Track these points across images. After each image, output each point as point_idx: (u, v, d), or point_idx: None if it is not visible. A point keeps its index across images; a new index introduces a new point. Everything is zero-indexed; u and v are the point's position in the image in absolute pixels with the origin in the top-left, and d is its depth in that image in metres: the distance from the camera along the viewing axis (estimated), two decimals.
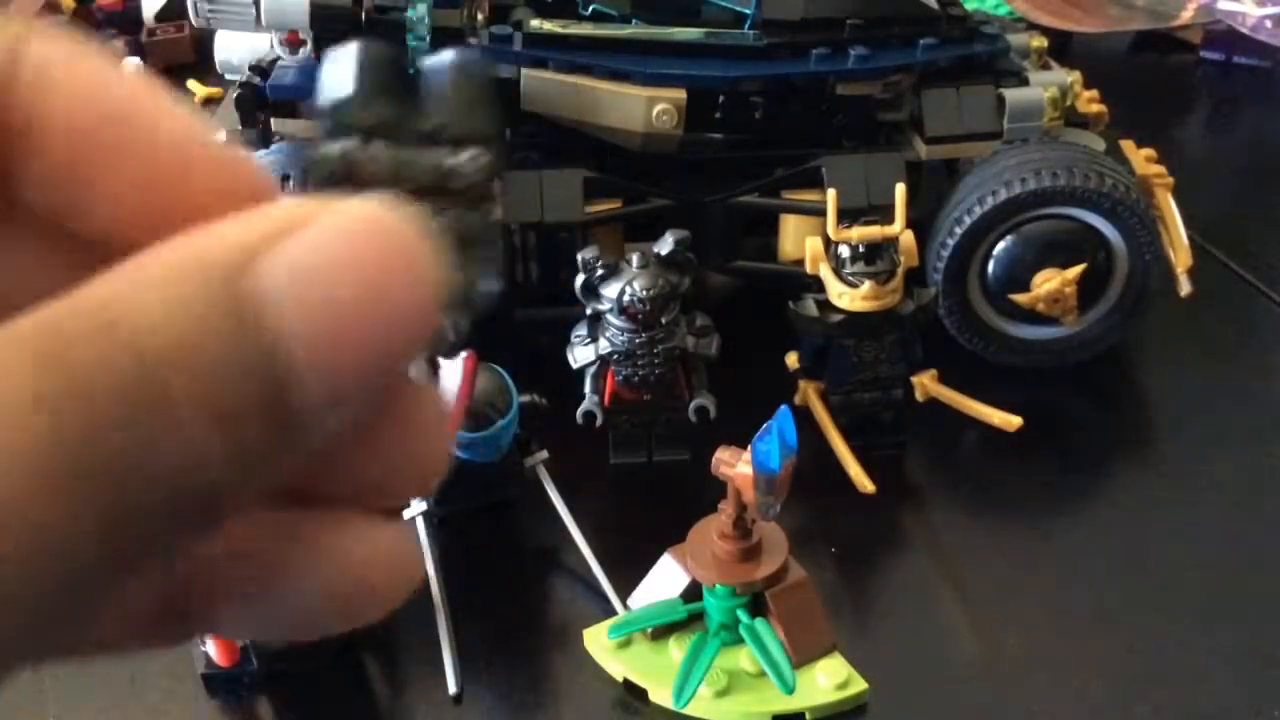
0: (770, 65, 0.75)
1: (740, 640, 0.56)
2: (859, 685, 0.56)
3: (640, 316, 0.64)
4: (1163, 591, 0.60)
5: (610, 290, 0.64)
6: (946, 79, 0.77)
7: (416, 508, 0.61)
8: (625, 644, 0.58)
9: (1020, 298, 0.73)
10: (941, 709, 0.56)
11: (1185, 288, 0.76)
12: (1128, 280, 0.73)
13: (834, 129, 0.77)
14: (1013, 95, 0.76)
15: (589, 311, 0.66)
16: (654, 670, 0.57)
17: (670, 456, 0.68)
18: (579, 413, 0.66)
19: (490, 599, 0.61)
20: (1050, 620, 0.57)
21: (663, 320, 0.64)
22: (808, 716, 0.55)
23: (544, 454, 0.64)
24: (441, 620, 0.58)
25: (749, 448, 0.52)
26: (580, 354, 0.66)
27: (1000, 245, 0.73)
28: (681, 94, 0.73)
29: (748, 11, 0.77)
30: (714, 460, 0.54)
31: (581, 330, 0.67)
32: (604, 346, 0.65)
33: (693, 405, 0.66)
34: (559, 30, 0.75)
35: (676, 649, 0.57)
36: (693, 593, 0.58)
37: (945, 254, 0.73)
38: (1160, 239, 0.73)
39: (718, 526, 0.56)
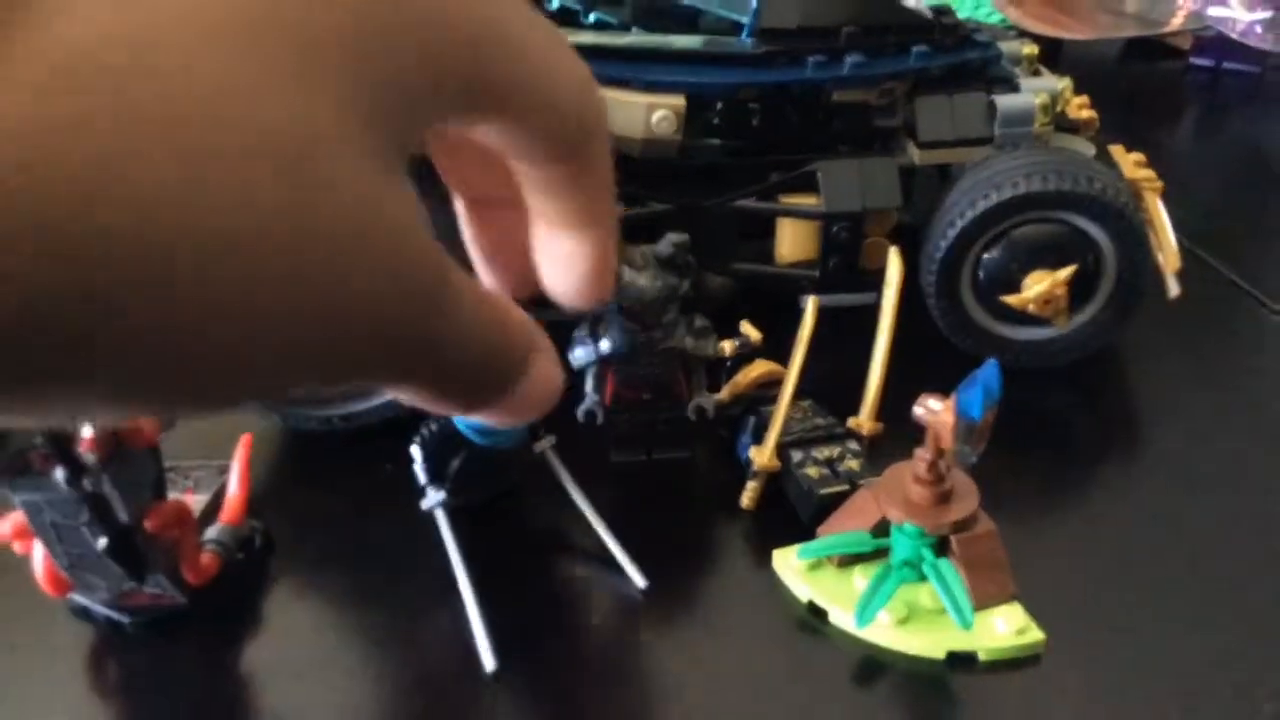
0: (767, 72, 0.77)
1: (922, 578, 0.58)
2: (1036, 635, 0.57)
3: (640, 317, 0.65)
4: (1154, 590, 0.61)
5: None
6: (939, 86, 0.79)
7: (434, 498, 0.62)
8: (814, 566, 0.60)
9: (1011, 299, 0.74)
10: (932, 703, 0.56)
11: (1173, 290, 0.77)
12: (1117, 282, 0.74)
13: (829, 135, 0.79)
14: (1004, 101, 0.78)
15: (589, 311, 0.67)
16: (838, 595, 0.59)
17: (670, 456, 0.69)
18: (579, 412, 0.67)
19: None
20: (1043, 619, 0.58)
21: (662, 321, 0.65)
22: (981, 656, 0.56)
23: (551, 438, 0.65)
24: (470, 603, 0.58)
25: (952, 395, 0.54)
26: (580, 354, 0.67)
27: (992, 248, 0.74)
28: (681, 100, 0.75)
29: (745, 20, 0.78)
30: (915, 406, 0.56)
31: (582, 330, 0.68)
32: (604, 346, 0.66)
33: (692, 405, 0.67)
34: None
35: (860, 578, 0.59)
36: (881, 531, 0.59)
37: (938, 257, 0.74)
38: (1149, 242, 0.75)
39: (912, 470, 0.58)
